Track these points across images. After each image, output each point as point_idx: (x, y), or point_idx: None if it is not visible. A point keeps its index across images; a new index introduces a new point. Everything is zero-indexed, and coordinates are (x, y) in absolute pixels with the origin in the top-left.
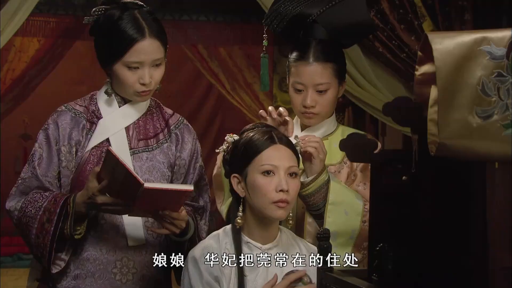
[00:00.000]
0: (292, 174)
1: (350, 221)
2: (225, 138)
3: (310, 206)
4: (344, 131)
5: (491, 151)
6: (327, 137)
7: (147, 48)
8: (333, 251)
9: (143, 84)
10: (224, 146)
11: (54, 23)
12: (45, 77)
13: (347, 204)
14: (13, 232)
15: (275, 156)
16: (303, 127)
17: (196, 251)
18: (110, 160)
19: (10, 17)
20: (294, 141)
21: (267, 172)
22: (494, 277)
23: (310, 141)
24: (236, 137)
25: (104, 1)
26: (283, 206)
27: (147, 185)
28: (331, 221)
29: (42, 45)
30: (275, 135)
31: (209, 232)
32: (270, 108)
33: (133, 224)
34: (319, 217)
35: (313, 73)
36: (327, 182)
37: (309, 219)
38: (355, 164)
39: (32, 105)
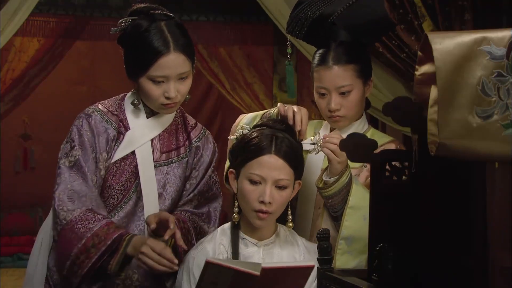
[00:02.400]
0: (281, 187)
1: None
2: (236, 128)
3: (330, 207)
4: (374, 135)
5: (491, 151)
6: None
7: (172, 62)
8: (347, 257)
9: (168, 98)
10: (233, 136)
11: (54, 23)
12: (45, 77)
13: (368, 210)
14: (13, 232)
15: (265, 167)
16: (332, 130)
17: (193, 251)
18: (211, 270)
19: (10, 17)
20: (312, 141)
21: (254, 181)
22: (494, 277)
23: (328, 142)
24: (246, 130)
25: (132, 11)
26: (263, 217)
27: (264, 265)
28: (348, 225)
29: (42, 45)
30: (276, 142)
31: None
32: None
33: None
34: (337, 219)
35: (334, 76)
36: (348, 185)
37: (324, 223)
38: None
39: (32, 105)
